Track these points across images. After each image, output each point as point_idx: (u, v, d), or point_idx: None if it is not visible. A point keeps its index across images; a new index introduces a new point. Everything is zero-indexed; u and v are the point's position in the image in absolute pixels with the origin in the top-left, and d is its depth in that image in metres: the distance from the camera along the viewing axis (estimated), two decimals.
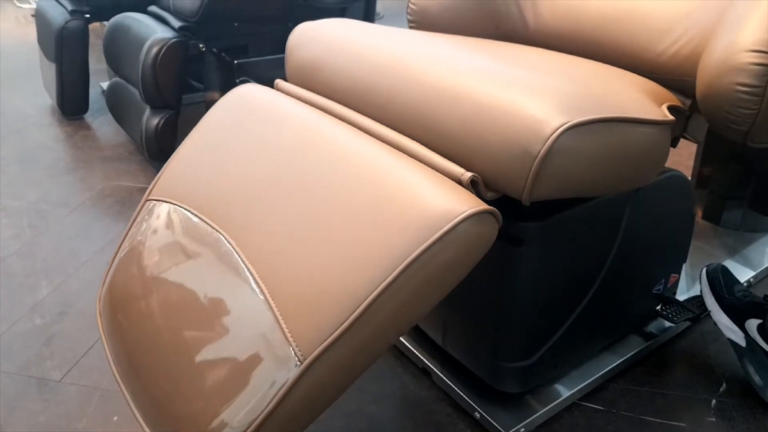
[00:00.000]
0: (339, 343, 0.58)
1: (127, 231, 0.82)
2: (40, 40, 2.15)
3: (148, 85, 1.43)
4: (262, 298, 0.63)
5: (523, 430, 0.87)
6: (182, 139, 0.86)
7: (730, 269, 1.03)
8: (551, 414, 0.91)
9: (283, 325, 0.60)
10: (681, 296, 1.10)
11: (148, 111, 1.49)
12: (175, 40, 1.43)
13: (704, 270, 1.03)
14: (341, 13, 1.69)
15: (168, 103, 1.48)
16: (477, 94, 0.67)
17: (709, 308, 1.00)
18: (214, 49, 1.62)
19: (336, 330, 0.58)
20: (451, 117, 0.68)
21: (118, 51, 1.66)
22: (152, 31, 1.48)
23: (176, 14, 1.54)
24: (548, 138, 0.61)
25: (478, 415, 0.89)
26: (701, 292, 1.02)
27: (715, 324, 1.00)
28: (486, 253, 0.62)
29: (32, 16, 3.73)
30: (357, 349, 0.59)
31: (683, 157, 1.68)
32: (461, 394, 0.92)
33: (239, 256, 0.67)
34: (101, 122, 2.07)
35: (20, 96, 2.35)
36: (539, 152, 0.62)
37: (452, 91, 0.69)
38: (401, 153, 0.69)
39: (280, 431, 0.58)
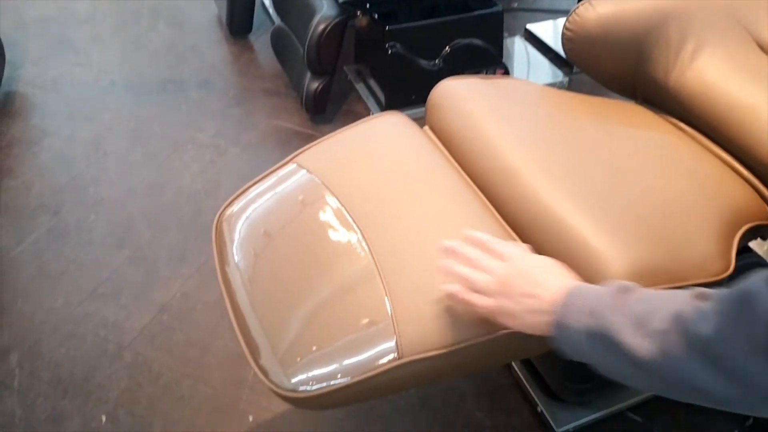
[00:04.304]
0: (434, 358, 0.74)
1: (265, 174, 1.01)
2: None
3: (312, 56, 1.65)
4: (382, 290, 0.79)
5: (571, 428, 1.15)
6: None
7: None
8: (600, 419, 1.18)
9: (395, 319, 0.76)
10: None
11: (309, 74, 1.73)
12: (338, 19, 1.61)
13: None
14: None
15: (327, 71, 1.70)
16: (578, 241, 0.83)
17: None
18: (368, 15, 1.78)
19: (439, 349, 0.75)
20: (551, 251, 0.83)
21: (287, 4, 1.86)
22: (320, 4, 1.66)
23: None
24: None
25: (540, 409, 1.18)
26: None
27: None
28: None
29: None
30: (441, 369, 0.77)
31: None
32: (530, 390, 1.20)
33: (370, 252, 0.83)
34: (262, 44, 2.32)
35: (193, 4, 2.60)
36: None
37: (557, 228, 0.85)
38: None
39: (352, 399, 0.77)
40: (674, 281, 0.81)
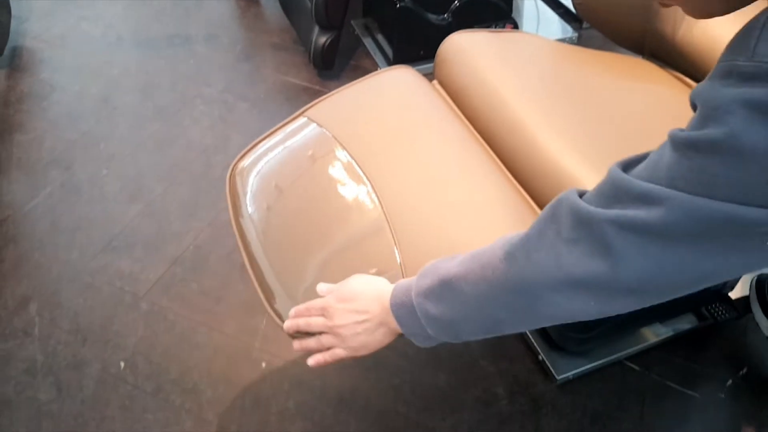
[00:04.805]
0: None
1: (276, 128, 1.03)
2: None
3: (320, 10, 1.64)
4: (391, 241, 0.83)
5: (571, 376, 1.20)
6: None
7: None
8: (598, 367, 1.22)
9: (404, 268, 0.81)
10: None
11: (316, 29, 1.72)
12: None
13: (755, 279, 1.22)
14: None
15: (335, 25, 1.70)
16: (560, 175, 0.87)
17: (753, 312, 1.22)
18: None
19: None
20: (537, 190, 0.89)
21: None
22: None
23: None
24: None
25: (541, 358, 1.22)
26: (749, 297, 1.23)
27: (757, 324, 1.22)
28: None
29: None
30: None
31: None
32: (532, 339, 1.24)
33: (380, 204, 0.86)
34: None
35: None
36: None
37: (563, 181, 0.87)
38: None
39: None
40: None
